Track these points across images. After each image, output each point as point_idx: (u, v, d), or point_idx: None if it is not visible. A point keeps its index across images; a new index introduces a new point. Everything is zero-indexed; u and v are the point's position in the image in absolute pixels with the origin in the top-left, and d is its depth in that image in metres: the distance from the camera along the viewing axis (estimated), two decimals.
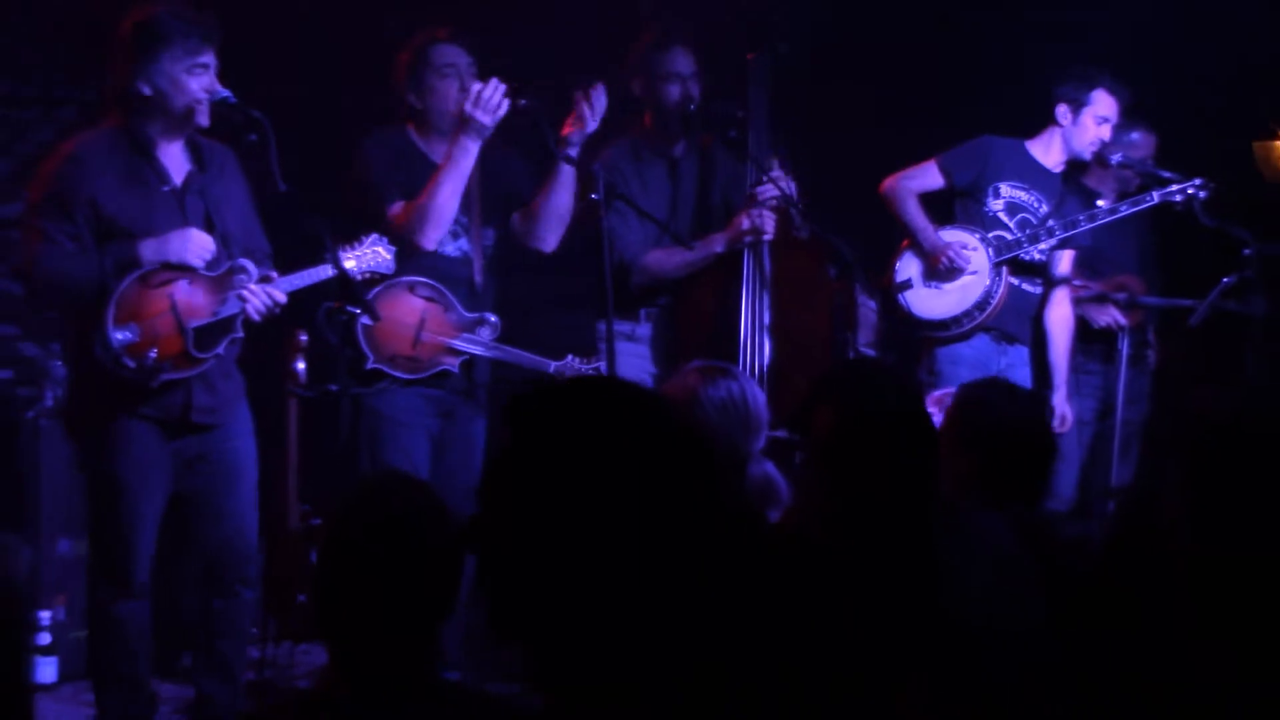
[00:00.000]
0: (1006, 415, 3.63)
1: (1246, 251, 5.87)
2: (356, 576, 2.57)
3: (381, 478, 2.94)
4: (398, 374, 5.40)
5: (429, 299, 5.43)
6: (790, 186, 5.80)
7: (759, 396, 4.37)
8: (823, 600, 2.54)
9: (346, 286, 5.03)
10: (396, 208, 5.33)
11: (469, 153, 5.34)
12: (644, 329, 5.93)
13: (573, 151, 5.48)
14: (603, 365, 5.60)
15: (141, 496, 4.84)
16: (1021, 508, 3.58)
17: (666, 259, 5.87)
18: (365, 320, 5.23)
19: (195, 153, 4.97)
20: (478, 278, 5.51)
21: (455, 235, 5.54)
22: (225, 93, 4.83)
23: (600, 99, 5.54)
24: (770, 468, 4.39)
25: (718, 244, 5.82)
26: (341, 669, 2.59)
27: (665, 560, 1.91)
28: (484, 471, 2.06)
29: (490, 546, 1.92)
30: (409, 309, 5.39)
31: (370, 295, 5.22)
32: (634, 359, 5.82)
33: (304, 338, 5.84)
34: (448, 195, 5.34)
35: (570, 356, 5.57)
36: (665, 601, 1.91)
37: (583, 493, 1.89)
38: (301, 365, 5.81)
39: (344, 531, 2.64)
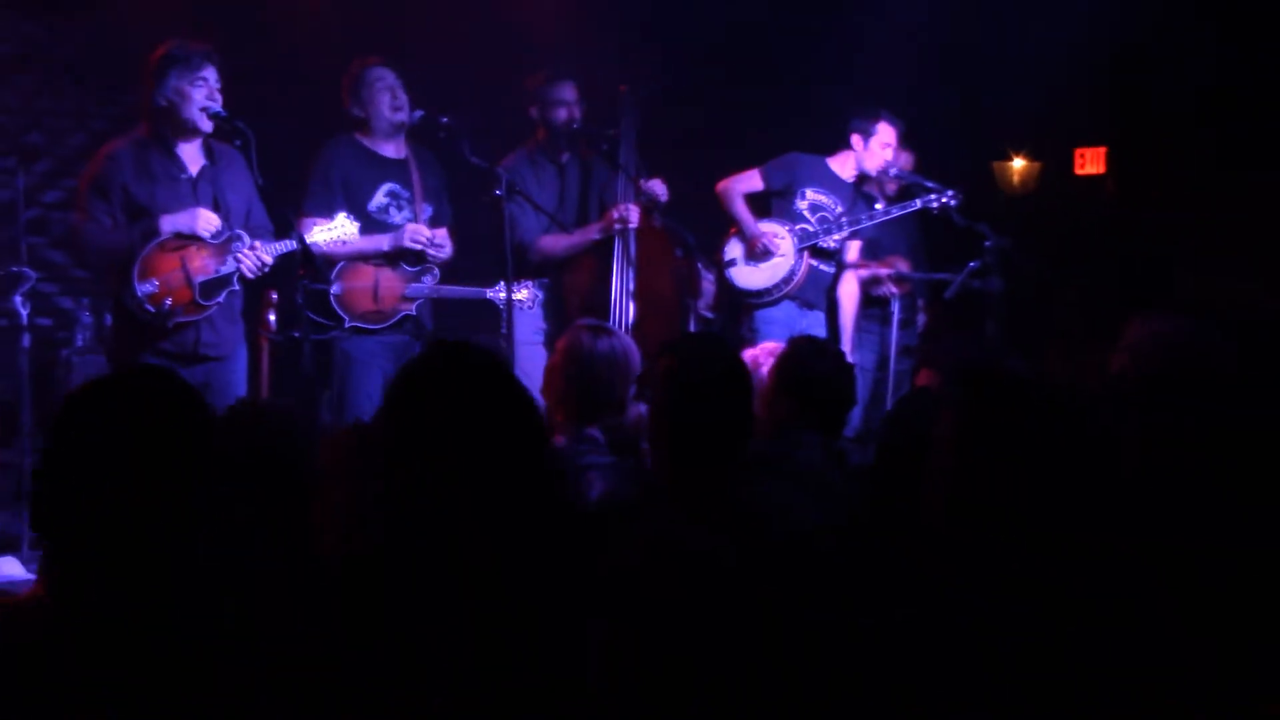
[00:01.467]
0: (818, 369, 3.71)
1: (987, 244, 6.03)
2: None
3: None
4: (369, 326, 5.52)
5: (378, 265, 5.56)
6: (657, 187, 5.98)
7: (634, 350, 4.27)
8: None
9: (309, 258, 5.18)
10: (308, 222, 5.38)
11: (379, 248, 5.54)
12: (535, 296, 5.89)
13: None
14: (530, 284, 5.70)
15: None
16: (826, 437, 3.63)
17: (555, 242, 5.98)
18: (335, 290, 5.42)
19: (208, 151, 5.13)
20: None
21: (400, 208, 5.66)
22: (217, 107, 5.03)
23: None
24: (643, 408, 4.39)
25: (594, 231, 5.97)
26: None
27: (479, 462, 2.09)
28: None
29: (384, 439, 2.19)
30: (365, 274, 5.53)
31: (335, 271, 5.46)
32: (528, 318, 5.86)
33: (274, 295, 5.88)
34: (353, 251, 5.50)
35: (500, 283, 5.58)
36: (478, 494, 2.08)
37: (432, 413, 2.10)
38: (272, 316, 5.85)
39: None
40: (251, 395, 5.43)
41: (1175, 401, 2.84)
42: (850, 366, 3.97)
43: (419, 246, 5.59)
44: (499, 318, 5.62)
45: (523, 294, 5.68)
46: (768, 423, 3.65)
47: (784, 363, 3.78)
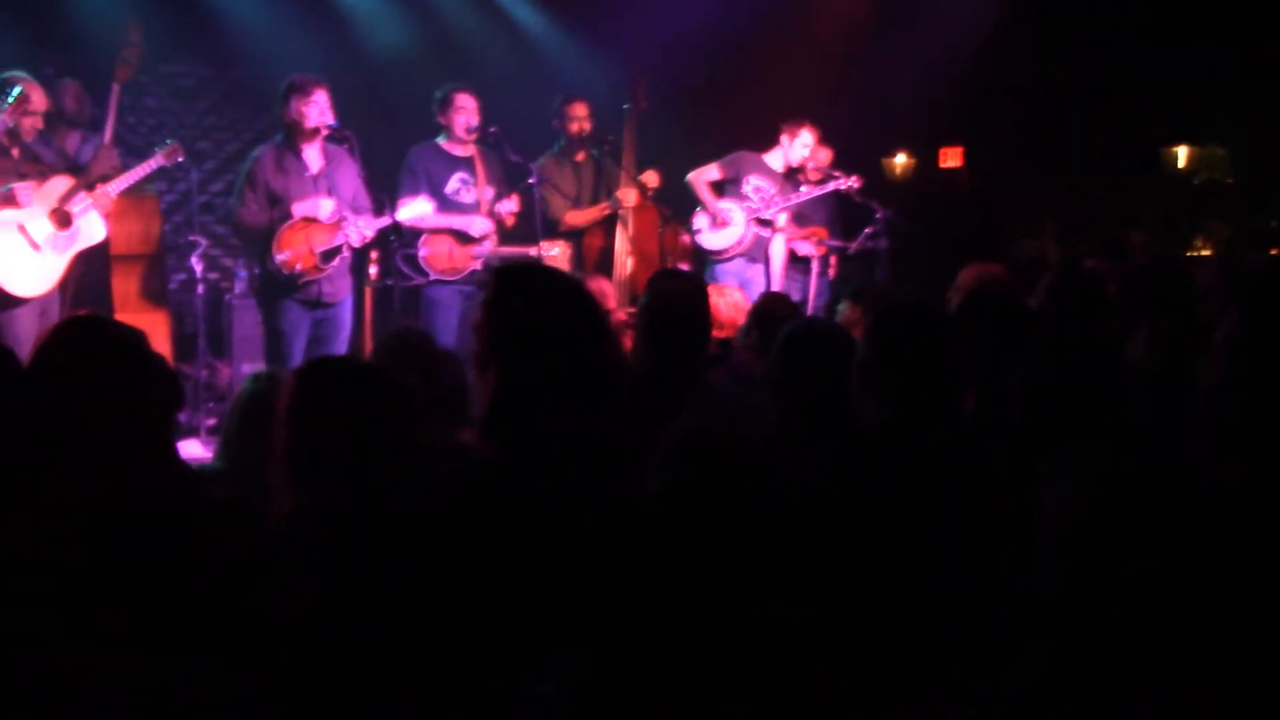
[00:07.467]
0: (784, 313, 3.61)
1: (877, 215, 6.06)
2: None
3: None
4: (448, 278, 5.47)
5: (452, 233, 5.46)
6: (649, 177, 5.98)
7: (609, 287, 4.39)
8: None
9: (398, 230, 5.24)
10: (400, 202, 5.17)
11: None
12: (565, 253, 5.90)
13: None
14: (560, 243, 5.73)
15: (294, 338, 5.03)
16: None
17: (577, 217, 5.99)
18: (421, 253, 5.41)
19: (325, 152, 5.10)
20: (483, 215, 5.53)
21: (469, 190, 5.52)
22: (329, 120, 4.99)
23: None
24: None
25: (604, 209, 5.98)
26: None
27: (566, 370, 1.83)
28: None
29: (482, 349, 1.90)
30: (442, 240, 5.46)
31: (420, 238, 5.39)
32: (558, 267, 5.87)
33: (375, 255, 5.81)
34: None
35: (544, 243, 5.55)
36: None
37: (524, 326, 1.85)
38: (374, 270, 5.87)
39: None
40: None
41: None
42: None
43: (479, 234, 5.55)
44: None
45: (555, 250, 5.70)
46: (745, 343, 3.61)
47: (759, 309, 3.64)
